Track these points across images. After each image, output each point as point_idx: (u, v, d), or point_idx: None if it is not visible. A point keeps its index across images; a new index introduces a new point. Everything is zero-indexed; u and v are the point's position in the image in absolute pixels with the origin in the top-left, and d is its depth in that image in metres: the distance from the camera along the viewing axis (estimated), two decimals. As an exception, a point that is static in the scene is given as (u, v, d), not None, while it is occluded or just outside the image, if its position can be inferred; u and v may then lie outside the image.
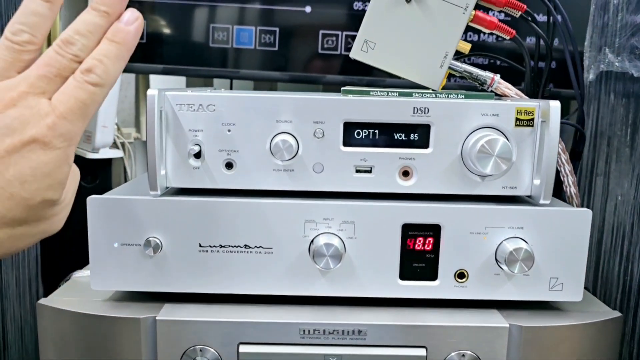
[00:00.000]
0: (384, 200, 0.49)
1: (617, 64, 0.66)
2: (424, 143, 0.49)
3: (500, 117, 0.49)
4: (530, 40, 0.91)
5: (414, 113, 0.49)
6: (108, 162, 0.96)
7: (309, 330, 0.47)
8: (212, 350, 0.47)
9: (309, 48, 0.97)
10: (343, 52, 0.97)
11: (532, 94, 0.63)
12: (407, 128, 0.49)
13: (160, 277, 0.49)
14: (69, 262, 0.63)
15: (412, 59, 0.56)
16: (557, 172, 0.56)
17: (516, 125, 0.49)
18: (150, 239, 0.48)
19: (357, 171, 0.50)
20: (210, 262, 0.49)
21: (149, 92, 0.46)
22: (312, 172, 0.49)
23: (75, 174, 0.41)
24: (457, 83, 0.90)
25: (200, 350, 0.47)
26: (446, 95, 0.53)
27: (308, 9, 0.96)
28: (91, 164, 0.93)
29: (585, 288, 0.52)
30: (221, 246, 0.49)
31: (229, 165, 0.49)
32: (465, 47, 0.57)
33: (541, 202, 0.49)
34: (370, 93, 0.54)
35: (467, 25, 0.55)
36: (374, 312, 0.49)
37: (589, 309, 0.51)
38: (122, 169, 1.05)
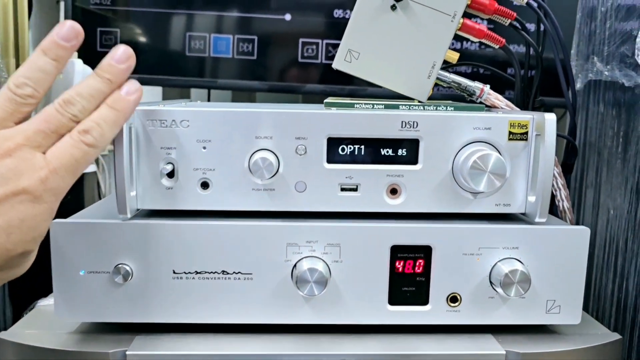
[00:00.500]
0: (371, 221, 0.46)
1: (606, 72, 0.64)
2: (412, 159, 0.47)
3: (493, 131, 0.46)
4: (515, 49, 0.89)
5: (402, 127, 0.46)
6: (80, 177, 0.92)
7: (292, 362, 0.44)
8: (188, 386, 0.44)
9: (289, 57, 0.94)
10: (324, 61, 0.94)
11: (522, 104, 0.60)
12: (395, 143, 0.46)
13: (130, 307, 0.45)
14: (34, 289, 0.59)
15: (398, 70, 0.53)
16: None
17: (509, 139, 0.47)
18: (120, 265, 0.44)
19: (342, 190, 0.47)
20: (186, 289, 0.45)
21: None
22: (294, 192, 0.46)
23: None
24: (440, 92, 0.88)
25: (175, 387, 0.43)
26: (434, 107, 0.51)
27: (288, 16, 0.93)
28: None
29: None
30: (197, 272, 0.45)
31: (205, 185, 0.46)
32: (454, 57, 0.54)
33: (537, 220, 0.46)
34: (355, 105, 0.51)
35: (455, 34, 0.53)
36: (362, 340, 0.46)
37: (587, 331, 0.49)
38: (95, 183, 1.00)
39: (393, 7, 0.52)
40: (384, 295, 0.46)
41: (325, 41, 0.94)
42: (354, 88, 0.93)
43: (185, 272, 0.45)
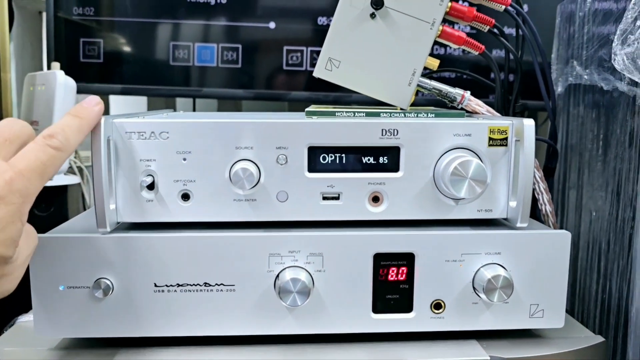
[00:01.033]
0: (354, 229, 0.46)
1: (585, 76, 0.65)
2: (394, 166, 0.47)
3: (473, 137, 0.46)
4: (497, 53, 0.90)
5: (382, 135, 0.46)
6: (64, 188, 0.91)
7: (277, 373, 0.44)
8: (172, 400, 0.43)
9: (274, 64, 0.94)
10: (308, 68, 0.95)
11: (502, 108, 0.61)
12: (376, 151, 0.46)
13: (112, 321, 0.45)
14: (14, 304, 0.58)
15: (379, 77, 0.53)
16: (532, 190, 0.54)
17: (489, 145, 0.47)
18: (100, 280, 0.44)
19: (324, 198, 0.47)
20: (168, 302, 0.45)
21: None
22: (275, 201, 0.46)
23: (31, 237, 0.40)
24: (424, 97, 0.89)
25: (158, 401, 0.43)
26: (415, 115, 0.51)
27: (272, 24, 0.93)
28: (44, 191, 0.88)
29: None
30: (179, 285, 0.45)
31: (185, 197, 0.46)
32: (434, 63, 0.55)
33: (518, 225, 0.46)
34: (336, 114, 0.51)
35: (435, 40, 0.53)
36: (346, 349, 0.46)
37: (571, 334, 0.49)
38: (79, 195, 0.99)
39: (372, 16, 0.52)
40: (367, 304, 0.46)
41: (309, 48, 0.95)
42: (339, 95, 0.93)
43: (166, 285, 0.45)
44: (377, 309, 0.46)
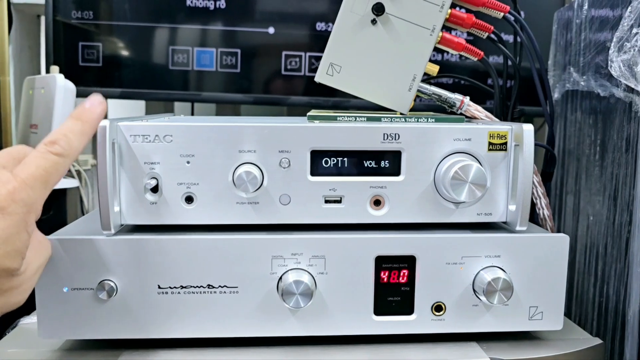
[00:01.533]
0: (356, 232, 0.47)
1: (582, 83, 0.66)
2: (395, 170, 0.47)
3: (473, 142, 0.47)
4: (495, 59, 0.91)
5: (384, 139, 0.47)
6: (62, 192, 0.91)
7: (279, 375, 0.44)
8: (175, 401, 0.43)
9: (273, 69, 0.95)
10: (307, 73, 0.95)
11: (501, 114, 0.62)
12: (378, 155, 0.47)
13: (116, 323, 0.45)
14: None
15: (380, 82, 0.54)
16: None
17: (489, 149, 0.47)
18: (104, 282, 0.44)
19: (326, 201, 0.47)
20: (171, 304, 0.45)
21: (100, 123, 0.42)
22: (278, 204, 0.46)
23: (42, 247, 0.40)
24: (423, 103, 0.89)
25: (162, 403, 0.43)
26: (416, 119, 0.52)
27: (271, 30, 0.94)
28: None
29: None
30: (182, 287, 0.45)
31: (189, 199, 0.46)
32: (434, 69, 0.55)
33: (518, 228, 0.47)
34: (338, 118, 0.51)
35: (435, 47, 0.54)
36: (348, 350, 0.46)
37: (569, 336, 0.50)
38: (78, 198, 0.99)
39: (373, 22, 0.53)
40: (369, 306, 0.46)
41: (308, 54, 0.95)
42: (338, 100, 0.94)
43: (170, 287, 0.45)
44: (378, 311, 0.47)
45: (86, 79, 0.93)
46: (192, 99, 0.97)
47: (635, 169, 0.54)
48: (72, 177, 0.97)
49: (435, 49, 0.54)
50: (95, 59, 0.94)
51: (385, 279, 0.46)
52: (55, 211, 0.91)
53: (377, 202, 0.48)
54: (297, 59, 0.96)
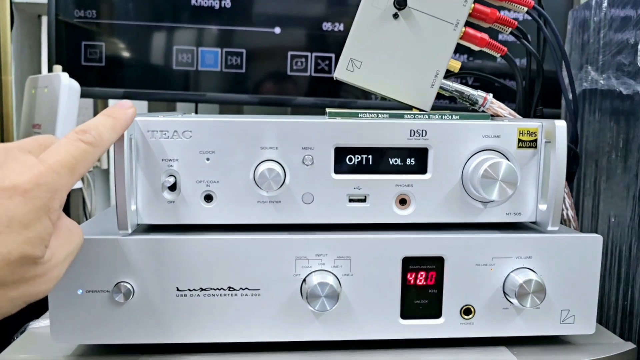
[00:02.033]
0: (381, 232, 0.45)
1: (602, 81, 0.65)
2: (421, 168, 0.46)
3: (502, 139, 0.46)
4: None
5: (410, 136, 0.45)
6: (65, 194, 0.89)
7: (303, 381, 0.42)
8: (194, 409, 0.41)
9: (278, 70, 0.93)
10: (313, 74, 0.94)
11: (523, 113, 0.60)
12: (404, 152, 0.45)
13: (132, 327, 0.43)
14: (25, 309, 0.56)
15: (401, 79, 0.52)
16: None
17: (519, 147, 0.46)
18: (121, 284, 0.42)
19: (351, 200, 0.45)
20: (190, 307, 0.43)
21: (118, 118, 0.41)
22: (301, 203, 0.45)
23: (74, 235, 0.38)
24: (435, 103, 0.88)
25: (180, 411, 0.41)
26: (439, 116, 0.50)
27: (277, 30, 0.93)
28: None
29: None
30: (202, 289, 0.43)
31: (209, 198, 0.44)
32: (456, 66, 0.54)
33: (549, 228, 0.45)
34: (359, 115, 0.50)
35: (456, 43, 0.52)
36: (374, 355, 0.45)
37: (600, 340, 0.48)
38: (80, 200, 0.97)
39: (395, 16, 0.51)
40: (396, 309, 0.45)
41: (314, 54, 0.94)
42: (344, 100, 0.93)
43: (189, 289, 0.43)
44: (405, 314, 0.45)
45: (89, 79, 0.91)
46: (196, 100, 0.96)
47: (662, 168, 0.53)
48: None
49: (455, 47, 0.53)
50: (98, 58, 0.92)
51: (412, 281, 0.45)
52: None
53: (402, 201, 0.46)
54: (303, 59, 0.94)
